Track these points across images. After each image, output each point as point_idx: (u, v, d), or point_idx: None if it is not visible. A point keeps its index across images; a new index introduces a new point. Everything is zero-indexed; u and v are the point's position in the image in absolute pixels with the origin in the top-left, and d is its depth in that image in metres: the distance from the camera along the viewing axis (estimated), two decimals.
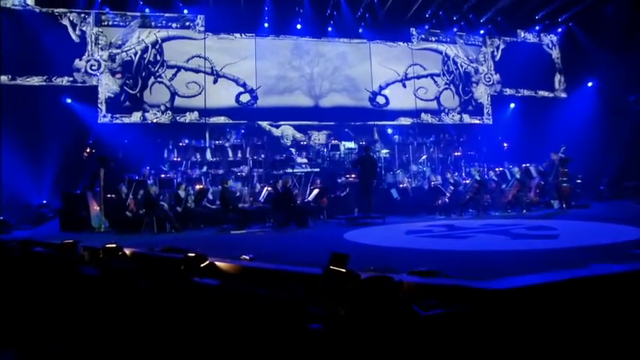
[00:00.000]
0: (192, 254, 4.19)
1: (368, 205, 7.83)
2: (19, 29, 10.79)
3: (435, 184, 9.08)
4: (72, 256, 5.59)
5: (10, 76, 11.08)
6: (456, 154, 11.61)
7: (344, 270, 3.05)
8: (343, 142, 11.74)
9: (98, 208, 8.59)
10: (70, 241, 5.77)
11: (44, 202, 10.39)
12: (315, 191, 8.30)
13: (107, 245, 5.33)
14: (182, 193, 8.27)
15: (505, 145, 12.84)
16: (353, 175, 8.32)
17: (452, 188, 8.84)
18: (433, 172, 10.85)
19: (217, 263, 4.10)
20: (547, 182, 9.22)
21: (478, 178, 8.46)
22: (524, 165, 9.16)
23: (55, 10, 11.47)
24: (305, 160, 10.74)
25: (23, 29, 10.85)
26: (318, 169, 10.50)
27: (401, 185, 9.90)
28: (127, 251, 5.34)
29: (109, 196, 8.62)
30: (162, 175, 9.87)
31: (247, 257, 4.24)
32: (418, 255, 4.32)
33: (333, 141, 11.75)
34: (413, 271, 3.33)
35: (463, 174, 10.40)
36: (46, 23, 11.17)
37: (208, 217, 8.53)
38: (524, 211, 8.54)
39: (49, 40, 10.94)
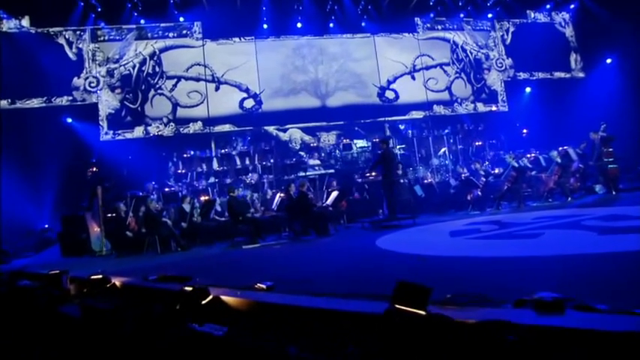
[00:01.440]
0: (190, 288, 3.00)
1: (394, 204, 6.59)
2: (15, 52, 10.03)
3: (465, 177, 7.79)
4: (55, 291, 4.58)
5: (9, 101, 10.29)
6: (477, 143, 10.33)
7: (423, 312, 1.81)
8: (355, 141, 10.58)
9: (98, 229, 7.52)
10: (56, 272, 4.82)
11: (46, 226, 9.44)
12: (334, 194, 7.07)
13: (92, 277, 4.24)
14: (187, 207, 7.13)
15: (524, 131, 11.57)
16: (373, 174, 7.12)
17: (483, 180, 7.55)
18: (455, 164, 9.58)
19: (224, 298, 2.90)
20: (587, 165, 7.87)
21: (515, 165, 7.16)
22: (561, 148, 7.84)
23: (51, 29, 10.72)
24: (317, 162, 9.57)
25: (20, 52, 10.11)
26: (332, 171, 9.31)
27: (425, 181, 8.63)
28: (118, 282, 4.21)
29: (109, 215, 7.56)
30: (167, 189, 8.80)
31: (264, 286, 3.02)
32: (493, 267, 3.05)
33: (344, 140, 10.59)
34: (521, 301, 2.05)
35: (487, 163, 9.11)
36: (43, 44, 10.49)
37: (218, 230, 7.37)
38: (569, 198, 7.21)
39: (46, 60, 10.24)
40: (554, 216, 5.25)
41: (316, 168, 9.39)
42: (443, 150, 10.38)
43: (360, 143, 10.67)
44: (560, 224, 4.57)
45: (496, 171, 8.31)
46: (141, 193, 8.39)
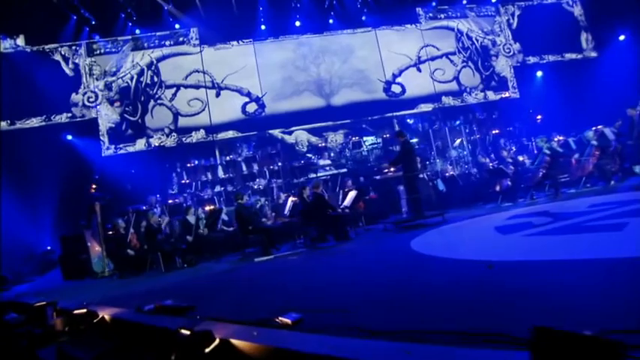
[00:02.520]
0: (188, 331, 2.12)
1: (418, 202, 5.69)
2: (13, 72, 9.41)
3: (494, 166, 6.88)
4: (37, 330, 3.79)
5: (8, 122, 9.66)
6: (493, 132, 9.41)
7: None
8: (365, 138, 9.72)
9: (99, 248, 6.72)
10: (42, 303, 4.05)
11: (48, 248, 8.71)
12: (352, 194, 6.18)
13: (76, 311, 3.41)
14: (191, 219, 6.29)
15: (539, 117, 10.63)
16: (392, 170, 6.25)
17: (512, 168, 6.63)
18: (473, 154, 8.65)
19: (235, 342, 2.01)
20: (625, 145, 6.91)
21: (550, 149, 6.23)
22: (594, 128, 6.89)
23: (46, 46, 10.09)
24: (328, 162, 8.70)
25: (17, 71, 9.49)
26: (345, 170, 8.43)
27: (446, 174, 7.71)
28: (107, 315, 3.35)
29: (109, 233, 6.75)
30: (170, 201, 7.99)
31: (288, 320, 2.13)
32: (610, 276, 2.12)
33: (353, 139, 9.72)
34: None
35: (513, 149, 8.17)
36: (39, 62, 9.92)
37: (226, 242, 6.52)
38: (612, 182, 6.25)
39: (43, 78, 9.66)
40: (615, 202, 4.30)
41: (327, 168, 8.53)
42: (459, 141, 9.48)
43: (370, 140, 9.80)
44: (634, 211, 3.63)
45: (521, 158, 7.37)
46: (144, 207, 7.62)
